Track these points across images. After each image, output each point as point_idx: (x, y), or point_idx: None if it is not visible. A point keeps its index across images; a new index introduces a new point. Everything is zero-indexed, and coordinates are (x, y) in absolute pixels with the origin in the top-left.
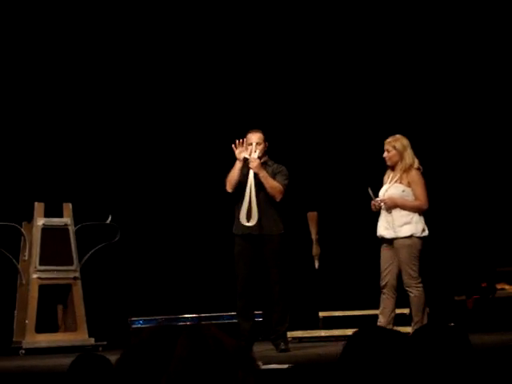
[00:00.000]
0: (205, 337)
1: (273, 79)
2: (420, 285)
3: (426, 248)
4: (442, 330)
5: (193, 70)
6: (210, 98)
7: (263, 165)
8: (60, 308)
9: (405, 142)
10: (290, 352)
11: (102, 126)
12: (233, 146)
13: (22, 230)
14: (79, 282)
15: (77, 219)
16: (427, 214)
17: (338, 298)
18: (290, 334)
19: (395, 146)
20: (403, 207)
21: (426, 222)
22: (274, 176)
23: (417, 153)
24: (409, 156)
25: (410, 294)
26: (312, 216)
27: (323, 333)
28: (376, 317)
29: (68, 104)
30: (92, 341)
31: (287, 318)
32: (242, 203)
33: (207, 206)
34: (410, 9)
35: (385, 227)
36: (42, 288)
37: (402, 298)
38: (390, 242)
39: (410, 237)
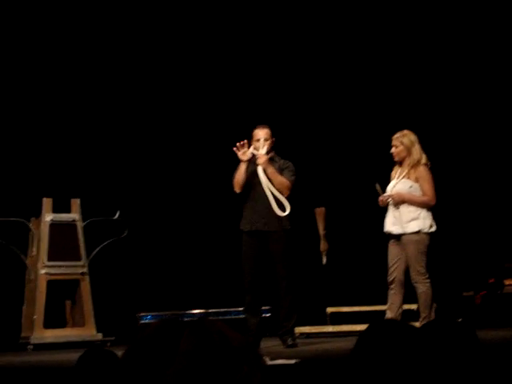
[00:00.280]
0: (210, 331)
1: (280, 75)
2: (427, 280)
3: (433, 244)
4: (449, 326)
5: (202, 67)
6: (217, 94)
7: (270, 161)
8: (68, 303)
9: (412, 137)
10: (297, 347)
11: (111, 121)
12: (234, 149)
13: (30, 225)
14: (87, 278)
15: (85, 215)
16: (435, 209)
17: (346, 294)
18: (297, 330)
19: (403, 141)
20: (411, 203)
21: (434, 218)
22: (280, 172)
23: (424, 148)
24: (416, 151)
25: (418, 289)
26: (319, 212)
27: (331, 328)
28: (384, 312)
29: (77, 100)
30: (100, 336)
31: (294, 314)
32: (251, 202)
33: (215, 201)
34: (418, 4)
35: (392, 223)
36: (50, 283)
37: (409, 294)
38: (398, 237)
39: (418, 232)
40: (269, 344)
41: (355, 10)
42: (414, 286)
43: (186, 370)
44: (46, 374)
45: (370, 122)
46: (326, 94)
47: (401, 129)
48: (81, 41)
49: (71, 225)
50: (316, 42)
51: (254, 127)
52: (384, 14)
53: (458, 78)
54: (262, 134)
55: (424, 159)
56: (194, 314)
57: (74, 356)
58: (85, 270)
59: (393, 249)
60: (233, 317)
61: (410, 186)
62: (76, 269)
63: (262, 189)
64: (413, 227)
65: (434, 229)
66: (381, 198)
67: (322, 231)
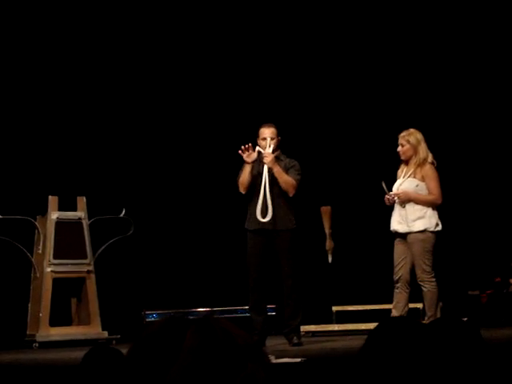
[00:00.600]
0: (214, 329)
1: (286, 73)
2: (433, 279)
3: (439, 242)
4: (453, 325)
5: (207, 67)
6: (222, 93)
7: (276, 159)
8: (74, 301)
9: (419, 136)
10: (302, 346)
11: (117, 120)
12: (239, 152)
13: (36, 223)
14: (93, 276)
15: (91, 213)
16: (441, 208)
17: (352, 293)
18: (302, 328)
19: (409, 140)
20: (417, 201)
21: (440, 217)
22: (286, 171)
23: (431, 147)
24: (423, 150)
25: (424, 288)
26: (325, 210)
27: (336, 327)
28: (389, 311)
29: (83, 98)
30: (105, 334)
31: (300, 312)
32: (256, 199)
33: (220, 200)
34: (425, 2)
35: (398, 221)
36: (55, 281)
37: (415, 293)
38: (404, 236)
39: (424, 231)
40: (274, 342)
41: (362, 10)
42: (419, 285)
43: (191, 367)
44: (52, 371)
45: (376, 121)
46: (332, 92)
47: (407, 127)
48: (86, 40)
49: (77, 223)
50: (323, 41)
51: (260, 126)
52: (391, 14)
53: (465, 76)
54: (267, 132)
55: (430, 158)
56: (199, 312)
57: (79, 354)
58: (90, 268)
59: (399, 247)
60: (238, 315)
61: (417, 185)
62: (82, 267)
63: (270, 185)
64: (419, 226)
65: (439, 227)
66: (387, 197)
67: (327, 230)
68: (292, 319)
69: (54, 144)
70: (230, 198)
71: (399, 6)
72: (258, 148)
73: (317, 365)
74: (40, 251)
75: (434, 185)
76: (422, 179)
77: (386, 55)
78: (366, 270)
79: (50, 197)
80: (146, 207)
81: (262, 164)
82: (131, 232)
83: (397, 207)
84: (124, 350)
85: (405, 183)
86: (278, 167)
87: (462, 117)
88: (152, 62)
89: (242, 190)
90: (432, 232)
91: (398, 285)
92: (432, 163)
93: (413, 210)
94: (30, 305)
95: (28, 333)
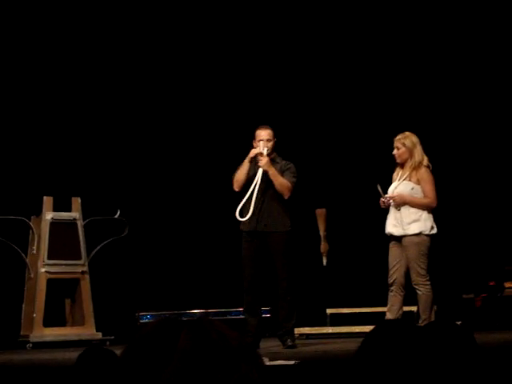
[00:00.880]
0: (208, 330)
1: (281, 75)
2: (428, 282)
3: (434, 246)
4: (447, 328)
5: (203, 67)
6: (218, 94)
7: (271, 162)
8: (68, 302)
9: (414, 139)
10: (296, 348)
11: (111, 120)
12: (252, 153)
13: (31, 223)
14: (87, 277)
15: (85, 213)
16: (436, 211)
17: (346, 295)
18: (297, 331)
19: (405, 143)
20: (412, 204)
21: (435, 220)
22: (282, 173)
23: (426, 150)
24: (418, 153)
25: (418, 291)
26: (320, 213)
27: (330, 329)
28: (384, 314)
29: (77, 98)
30: (99, 335)
31: (294, 315)
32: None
33: (215, 201)
34: (421, 5)
35: (393, 224)
36: (49, 282)
37: (409, 296)
38: (399, 239)
39: (419, 234)
40: (268, 344)
41: (359, 13)
42: (414, 288)
43: (184, 368)
44: (45, 372)
45: (371, 124)
46: (327, 95)
47: (402, 130)
48: (81, 39)
49: (72, 223)
50: (319, 44)
51: (256, 128)
52: (387, 18)
53: (459, 80)
54: (264, 134)
55: (425, 161)
56: (193, 313)
57: (73, 355)
58: (85, 268)
59: (393, 250)
60: (232, 317)
61: (412, 188)
62: (76, 267)
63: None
64: (414, 229)
65: (434, 231)
66: (382, 200)
67: (322, 232)
68: (286, 321)
69: (49, 144)
70: (224, 200)
71: (395, 9)
72: (256, 150)
73: (310, 367)
74: (34, 252)
75: (429, 188)
76: (418, 182)
77: (382, 58)
78: (361, 273)
79: (44, 197)
80: (140, 208)
81: (258, 166)
82: (126, 233)
83: (392, 210)
84: (118, 351)
85: (400, 186)
86: (274, 169)
87: (457, 121)
88: (149, 63)
89: (236, 188)
90: (427, 235)
91: (392, 288)
92: (427, 166)
93: (408, 213)
94: (23, 305)
95: (22, 333)
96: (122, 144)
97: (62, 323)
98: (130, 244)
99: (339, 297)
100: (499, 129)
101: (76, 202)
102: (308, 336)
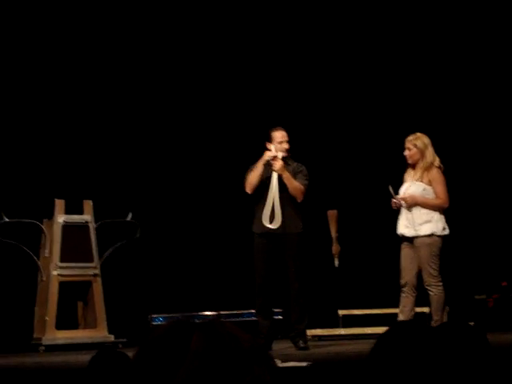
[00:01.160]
0: (220, 332)
1: (292, 77)
2: (440, 283)
3: (446, 246)
4: (459, 329)
5: (214, 71)
6: (230, 96)
7: (284, 164)
8: (80, 305)
9: (426, 140)
10: (309, 350)
11: (123, 123)
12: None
13: (43, 226)
14: (99, 279)
15: (97, 216)
16: (448, 212)
17: (358, 297)
18: (309, 332)
19: (416, 144)
20: (424, 205)
21: (447, 221)
22: (294, 176)
23: (437, 151)
24: (430, 154)
25: (430, 292)
26: (332, 214)
27: (343, 331)
28: (396, 315)
29: (89, 102)
30: (112, 338)
31: (306, 316)
32: (263, 204)
33: (227, 203)
34: (435, 6)
35: (405, 225)
36: (62, 285)
37: (421, 297)
38: (411, 240)
39: (431, 235)
40: (280, 346)
41: (371, 16)
42: (426, 289)
43: (197, 370)
44: (58, 375)
45: (383, 125)
46: (338, 95)
47: (414, 131)
48: (89, 43)
49: (83, 226)
50: (330, 44)
51: (271, 130)
52: (400, 18)
53: (472, 80)
54: (281, 136)
55: (437, 162)
56: (205, 315)
57: (85, 357)
58: (97, 271)
59: (405, 251)
60: (245, 319)
61: (423, 189)
62: (88, 270)
63: (277, 194)
64: (426, 230)
65: (446, 232)
66: (394, 201)
67: (334, 234)
68: (298, 323)
69: (61, 148)
70: (236, 202)
71: (409, 12)
72: (273, 153)
73: (323, 369)
74: (46, 255)
75: (440, 189)
76: (429, 183)
77: (393, 60)
78: (373, 274)
79: (56, 200)
80: (152, 211)
81: (272, 169)
82: (138, 236)
83: (403, 211)
84: (130, 354)
85: (412, 187)
86: (288, 173)
87: (469, 121)
88: (158, 67)
89: (249, 190)
90: (439, 236)
91: (404, 289)
92: (439, 167)
93: (420, 214)
94: (36, 308)
95: (34, 336)
96: (134, 147)
97: (74, 326)
98: (142, 246)
99: (351, 298)
100: (508, 131)
101: (88, 204)
102: (320, 337)
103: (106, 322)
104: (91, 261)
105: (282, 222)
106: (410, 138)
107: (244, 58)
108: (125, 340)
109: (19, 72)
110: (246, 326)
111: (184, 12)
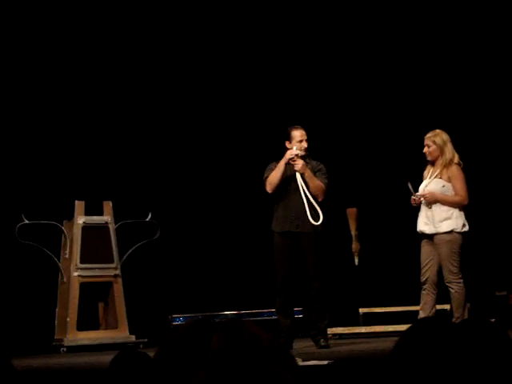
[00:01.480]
0: (241, 331)
1: (311, 75)
2: (461, 280)
3: (466, 243)
4: (481, 326)
5: (234, 69)
6: (249, 95)
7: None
8: (101, 305)
9: (445, 136)
10: (330, 348)
11: (142, 124)
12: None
13: (63, 228)
14: (120, 280)
15: (117, 217)
16: (467, 209)
17: (379, 294)
18: (330, 331)
19: (435, 140)
20: (443, 202)
21: (467, 217)
22: (313, 174)
23: (457, 148)
24: (449, 151)
25: (451, 289)
26: (351, 212)
27: (363, 329)
28: (417, 313)
29: (109, 104)
30: (133, 338)
31: (327, 315)
32: (283, 203)
33: (246, 202)
34: (451, 4)
35: (425, 222)
36: (82, 286)
37: (442, 294)
38: (431, 237)
39: (451, 232)
40: (301, 345)
41: (387, 15)
42: (447, 286)
43: (217, 369)
44: (80, 376)
45: (402, 122)
46: (358, 93)
47: (433, 128)
48: (108, 46)
49: (103, 227)
50: (349, 42)
51: (290, 129)
52: (417, 16)
53: (493, 77)
54: (300, 135)
55: (456, 159)
56: (226, 315)
57: (107, 358)
58: (117, 272)
59: (425, 249)
60: (265, 318)
61: (443, 186)
62: (109, 271)
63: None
64: (445, 227)
65: (466, 228)
66: (413, 198)
67: (353, 232)
68: (319, 321)
69: (80, 149)
70: (256, 201)
71: (426, 10)
72: (291, 151)
73: (344, 367)
74: (67, 256)
75: (460, 186)
76: (449, 180)
77: (412, 56)
78: (393, 272)
79: (76, 201)
80: (172, 211)
81: (292, 168)
82: (157, 236)
83: (423, 208)
84: (151, 354)
85: (431, 184)
86: (309, 171)
87: (488, 117)
88: (176, 69)
89: (270, 190)
90: (459, 233)
91: (425, 286)
92: (458, 164)
93: (439, 210)
94: (57, 309)
95: (56, 337)
96: (153, 147)
97: (95, 327)
98: (162, 246)
99: (372, 296)
100: None
101: (107, 205)
102: (341, 336)
103: (126, 323)
104: (111, 261)
105: (302, 220)
106: (429, 134)
107: (263, 56)
108: (146, 340)
109: (38, 76)
110: (267, 325)
111: (198, 9)
